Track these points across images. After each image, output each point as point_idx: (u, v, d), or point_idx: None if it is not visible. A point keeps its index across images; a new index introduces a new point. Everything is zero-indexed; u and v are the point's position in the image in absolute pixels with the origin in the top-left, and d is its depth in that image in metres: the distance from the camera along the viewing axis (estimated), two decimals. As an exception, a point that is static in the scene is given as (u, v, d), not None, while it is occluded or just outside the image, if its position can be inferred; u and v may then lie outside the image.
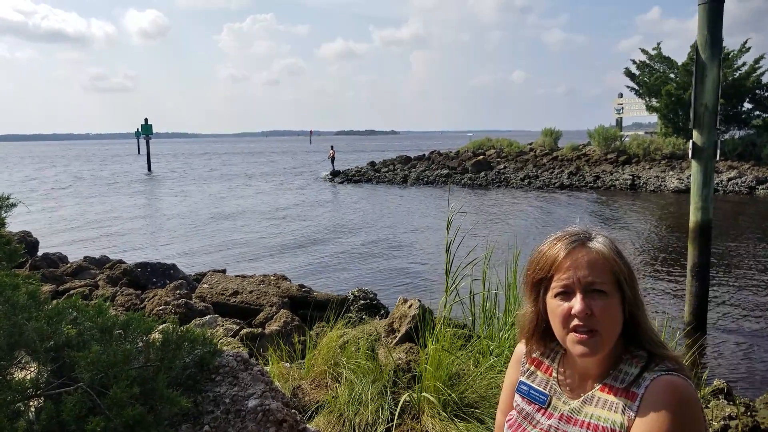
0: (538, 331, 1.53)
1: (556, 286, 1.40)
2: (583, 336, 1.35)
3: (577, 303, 1.35)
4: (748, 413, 3.90)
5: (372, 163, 40.21)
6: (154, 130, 49.27)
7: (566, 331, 1.38)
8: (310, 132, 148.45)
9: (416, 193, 27.91)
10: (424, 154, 41.10)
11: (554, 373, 1.54)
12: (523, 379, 1.60)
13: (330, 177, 37.40)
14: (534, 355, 1.60)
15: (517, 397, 1.60)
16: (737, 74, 29.09)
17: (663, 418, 1.28)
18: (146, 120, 47.80)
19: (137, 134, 52.87)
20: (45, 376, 2.00)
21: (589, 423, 1.39)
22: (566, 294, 1.38)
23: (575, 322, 1.35)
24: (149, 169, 49.36)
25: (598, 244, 1.41)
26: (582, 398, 1.43)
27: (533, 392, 1.55)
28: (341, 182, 34.85)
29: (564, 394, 1.49)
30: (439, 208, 21.64)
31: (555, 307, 1.40)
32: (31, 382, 1.92)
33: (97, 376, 1.91)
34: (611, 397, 1.38)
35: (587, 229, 1.46)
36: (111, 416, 1.83)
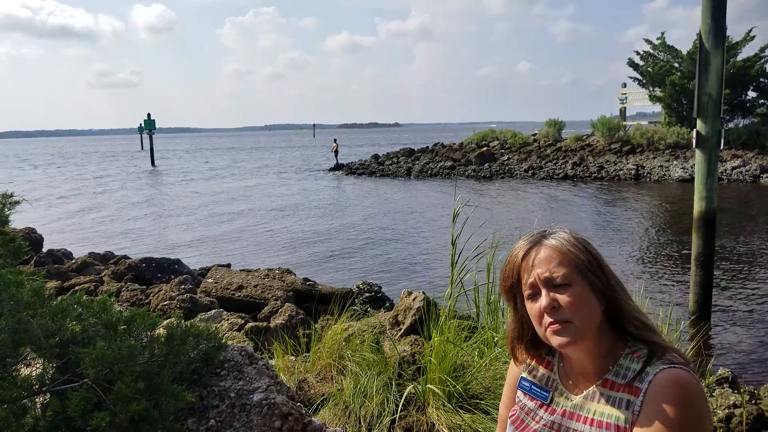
0: (525, 338, 1.55)
1: (525, 289, 1.43)
2: (557, 326, 1.36)
3: (542, 299, 1.38)
4: (753, 401, 3.90)
5: (375, 156, 40.17)
6: (158, 125, 49.35)
7: (544, 329, 1.40)
8: (313, 125, 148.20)
9: (420, 186, 27.89)
10: (427, 147, 41.05)
11: (555, 369, 1.54)
12: (524, 374, 1.60)
13: (334, 170, 37.41)
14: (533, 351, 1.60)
15: (519, 393, 1.60)
16: (742, 63, 28.91)
17: (667, 412, 1.27)
18: (149, 115, 47.85)
19: (140, 129, 52.95)
20: (50, 372, 2.01)
21: (592, 419, 1.39)
22: (535, 294, 1.41)
23: (546, 318, 1.38)
24: (153, 164, 49.44)
25: (552, 240, 1.43)
26: (584, 394, 1.43)
27: (535, 388, 1.55)
28: (345, 175, 34.86)
29: (565, 389, 1.49)
30: (442, 201, 21.63)
31: (530, 309, 1.43)
32: (36, 379, 1.93)
33: (102, 372, 1.92)
34: (614, 393, 1.37)
35: (546, 229, 1.49)
36: (116, 411, 1.84)
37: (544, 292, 1.38)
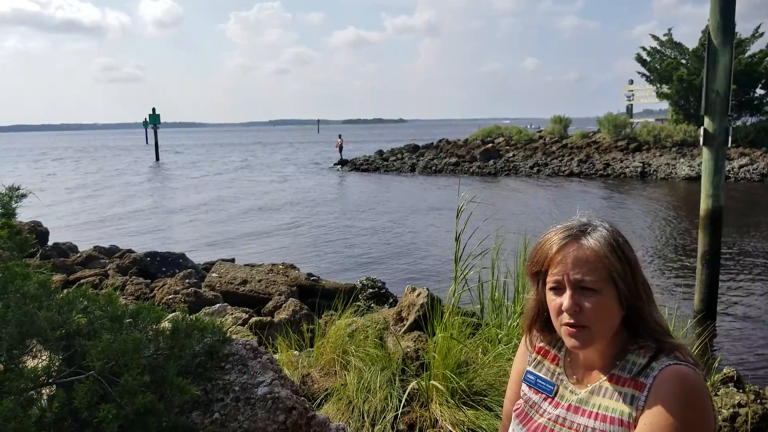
0: (540, 319, 1.54)
1: (549, 280, 1.41)
2: (573, 330, 1.36)
3: (565, 300, 1.35)
4: (758, 401, 3.88)
5: (380, 152, 40.13)
6: (162, 120, 49.39)
7: (559, 324, 1.39)
8: (318, 121, 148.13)
9: (424, 182, 27.86)
10: (432, 143, 40.98)
11: (561, 363, 1.54)
12: (529, 368, 1.60)
13: (338, 166, 37.40)
14: (540, 345, 1.60)
15: (524, 387, 1.60)
16: (750, 60, 28.74)
17: (671, 407, 1.27)
18: (154, 110, 47.90)
19: (145, 124, 53.04)
20: (57, 364, 2.02)
21: (597, 413, 1.39)
22: (558, 289, 1.39)
23: (565, 317, 1.36)
24: (157, 159, 49.51)
25: (591, 240, 1.37)
26: (589, 388, 1.43)
27: (540, 382, 1.55)
28: (349, 171, 34.84)
29: (571, 383, 1.49)
30: (447, 197, 21.60)
31: (550, 300, 1.41)
32: (43, 371, 1.94)
33: (107, 365, 1.92)
34: (619, 388, 1.37)
35: (587, 221, 1.43)
36: (122, 404, 1.85)
37: (569, 293, 1.35)
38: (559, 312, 1.38)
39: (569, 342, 1.38)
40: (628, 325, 1.40)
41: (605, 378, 1.41)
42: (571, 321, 1.35)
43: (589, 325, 1.34)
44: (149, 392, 1.90)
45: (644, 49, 31.66)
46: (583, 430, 1.39)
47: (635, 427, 1.31)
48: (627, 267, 1.36)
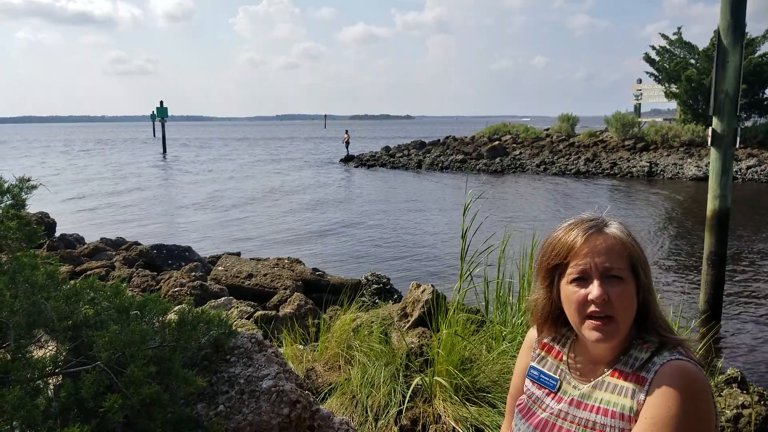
0: (551, 317, 1.54)
1: (572, 272, 1.40)
2: (599, 323, 1.36)
3: (594, 289, 1.35)
4: (762, 402, 3.88)
5: (387, 148, 40.13)
6: (171, 113, 49.52)
7: (581, 318, 1.39)
8: (325, 116, 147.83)
9: (431, 179, 27.84)
10: (439, 140, 40.95)
11: (565, 358, 1.55)
12: (533, 364, 1.61)
13: (345, 162, 37.42)
14: (545, 341, 1.61)
15: (528, 382, 1.61)
16: (760, 60, 28.56)
17: (672, 402, 1.27)
18: (161, 103, 48.00)
19: (153, 117, 53.26)
20: (63, 354, 2.03)
21: (598, 408, 1.39)
22: (583, 280, 1.38)
23: (592, 308, 1.36)
24: (164, 152, 49.64)
25: (614, 229, 1.41)
26: (592, 383, 1.44)
27: (543, 377, 1.56)
28: (356, 167, 34.85)
29: (574, 378, 1.50)
30: (453, 194, 21.58)
31: (571, 293, 1.40)
32: (50, 360, 1.96)
33: (114, 355, 1.94)
34: (621, 382, 1.38)
35: (600, 216, 1.46)
36: (128, 394, 1.86)
37: (597, 282, 1.36)
38: (583, 303, 1.37)
39: (593, 335, 1.36)
40: (635, 321, 1.41)
41: (608, 373, 1.42)
42: (599, 311, 1.35)
43: (616, 315, 1.35)
44: (155, 383, 1.91)
45: (653, 48, 31.55)
46: (585, 424, 1.40)
47: (636, 421, 1.32)
48: (644, 258, 1.41)
